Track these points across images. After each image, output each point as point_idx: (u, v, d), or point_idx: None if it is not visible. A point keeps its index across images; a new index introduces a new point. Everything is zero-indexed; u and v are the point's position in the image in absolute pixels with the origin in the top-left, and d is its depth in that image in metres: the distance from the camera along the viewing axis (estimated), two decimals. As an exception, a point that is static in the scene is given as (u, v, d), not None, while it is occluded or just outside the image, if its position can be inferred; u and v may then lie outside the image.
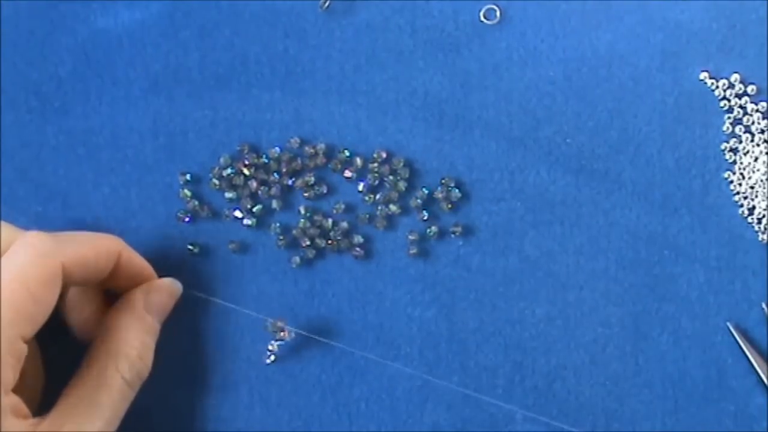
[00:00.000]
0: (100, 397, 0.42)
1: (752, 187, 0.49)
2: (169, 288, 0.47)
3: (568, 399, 0.48)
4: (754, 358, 0.48)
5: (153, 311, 0.46)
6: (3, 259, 0.41)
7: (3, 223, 0.43)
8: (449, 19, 0.50)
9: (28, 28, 0.49)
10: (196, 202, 0.49)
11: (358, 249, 0.48)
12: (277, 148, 0.49)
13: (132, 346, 0.44)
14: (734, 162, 0.49)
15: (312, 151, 0.49)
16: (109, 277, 0.45)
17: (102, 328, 0.45)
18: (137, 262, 0.46)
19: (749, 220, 0.49)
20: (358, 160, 0.49)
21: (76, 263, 0.42)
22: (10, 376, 0.40)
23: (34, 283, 0.41)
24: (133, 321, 0.45)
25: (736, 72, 0.49)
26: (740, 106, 0.49)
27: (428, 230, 0.49)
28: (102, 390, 0.43)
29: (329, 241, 0.48)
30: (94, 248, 0.44)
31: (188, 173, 0.49)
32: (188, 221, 0.49)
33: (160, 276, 0.47)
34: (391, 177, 0.49)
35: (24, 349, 0.40)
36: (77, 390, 0.43)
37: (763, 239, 0.49)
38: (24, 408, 0.41)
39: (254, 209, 0.49)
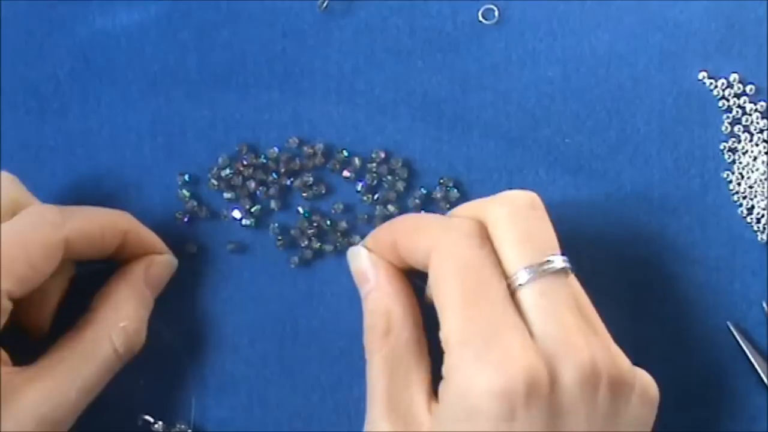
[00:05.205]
0: (85, 365, 0.43)
1: (751, 187, 0.49)
2: (167, 263, 0.47)
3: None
4: (754, 358, 0.48)
5: (151, 285, 0.46)
6: (9, 222, 0.42)
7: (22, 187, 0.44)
8: (448, 19, 0.50)
9: (26, 29, 0.49)
10: (195, 203, 0.49)
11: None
12: (276, 149, 0.49)
13: (130, 318, 0.44)
14: (733, 162, 0.49)
15: (310, 151, 0.49)
16: (117, 252, 0.46)
17: (100, 298, 0.45)
18: (146, 238, 0.46)
19: (748, 219, 0.49)
20: (357, 161, 0.49)
21: (80, 237, 0.43)
22: None
23: (33, 248, 0.41)
24: (132, 294, 0.45)
25: (735, 72, 0.49)
26: (739, 106, 0.49)
27: (427, 230, 0.48)
28: (89, 359, 0.43)
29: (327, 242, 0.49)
30: (99, 224, 0.44)
31: (187, 173, 0.49)
32: (187, 221, 0.49)
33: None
34: (389, 177, 0.49)
35: (8, 306, 0.41)
36: (63, 352, 0.43)
37: (762, 239, 0.49)
38: (5, 356, 0.42)
39: (253, 209, 0.49)
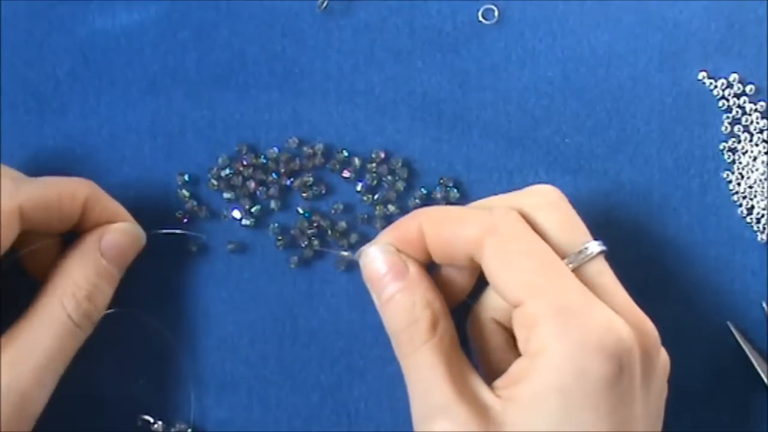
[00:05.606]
0: (42, 330, 0.43)
1: (751, 187, 0.49)
2: (126, 230, 0.46)
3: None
4: (754, 358, 0.48)
5: (109, 254, 0.45)
6: None
7: None
8: (447, 19, 0.50)
9: (26, 29, 0.49)
10: (195, 203, 0.49)
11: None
12: (276, 149, 0.49)
13: (79, 285, 0.44)
14: (733, 162, 0.49)
15: (310, 151, 0.49)
16: (82, 223, 0.45)
17: (53, 269, 0.44)
18: (110, 207, 0.46)
19: (748, 219, 0.49)
20: (357, 161, 0.49)
21: (35, 206, 0.43)
22: None
23: None
24: (82, 261, 0.44)
25: (734, 72, 0.49)
26: (739, 106, 0.49)
27: (427, 230, 0.48)
28: (45, 327, 0.43)
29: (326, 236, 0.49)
30: (57, 192, 0.43)
31: (186, 173, 0.49)
32: (187, 221, 0.49)
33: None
34: (389, 177, 0.49)
35: None
36: (20, 325, 0.43)
37: (762, 239, 0.49)
38: None
39: (253, 209, 0.49)
